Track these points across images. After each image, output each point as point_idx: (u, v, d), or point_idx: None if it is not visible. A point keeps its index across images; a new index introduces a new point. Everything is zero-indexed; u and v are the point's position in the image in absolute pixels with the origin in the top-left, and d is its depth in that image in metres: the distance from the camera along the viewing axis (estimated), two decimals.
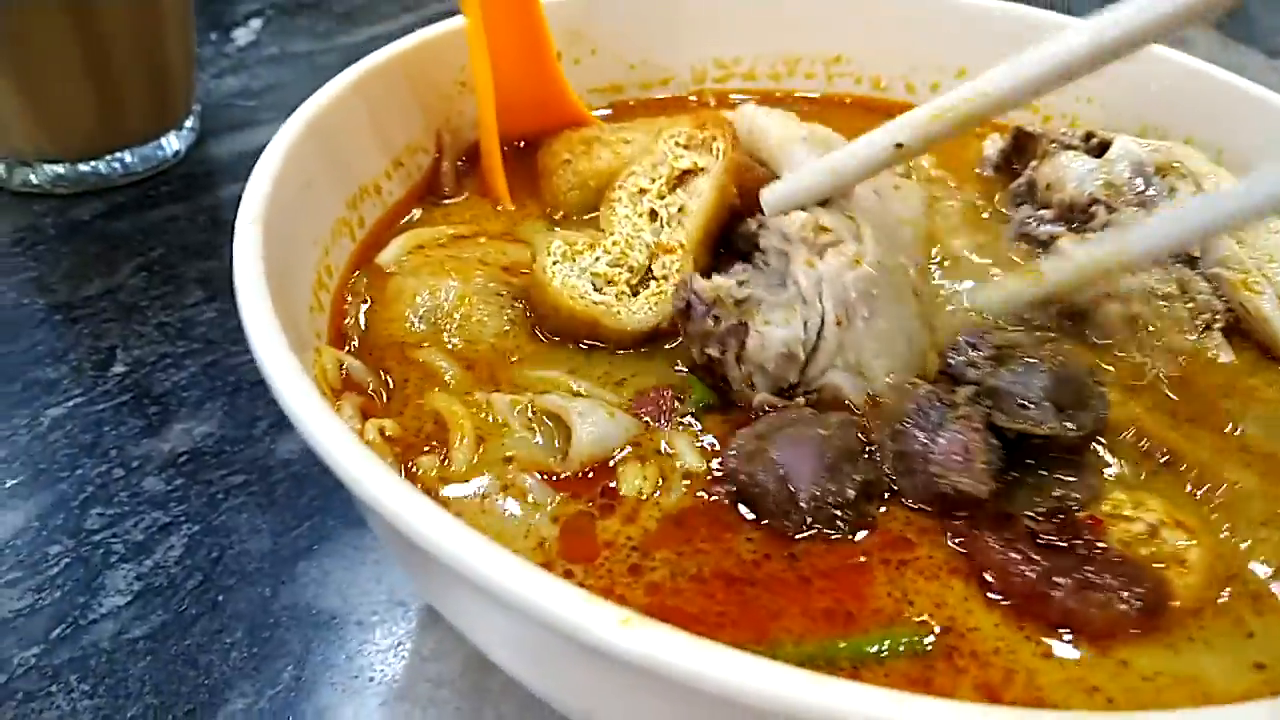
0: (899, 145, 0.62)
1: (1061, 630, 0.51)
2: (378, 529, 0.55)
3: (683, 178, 0.73)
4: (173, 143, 1.14)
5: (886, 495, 0.57)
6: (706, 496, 0.56)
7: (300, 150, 0.64)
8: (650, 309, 0.66)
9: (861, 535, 0.55)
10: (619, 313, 0.65)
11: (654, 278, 0.68)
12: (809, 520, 0.54)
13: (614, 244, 0.70)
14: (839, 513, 0.54)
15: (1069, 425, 0.55)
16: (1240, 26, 1.60)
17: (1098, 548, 0.54)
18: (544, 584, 0.38)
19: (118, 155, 1.10)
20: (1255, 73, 0.84)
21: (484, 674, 0.68)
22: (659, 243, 0.70)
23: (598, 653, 0.37)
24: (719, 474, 0.57)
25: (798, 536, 0.55)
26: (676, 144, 0.73)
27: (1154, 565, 0.54)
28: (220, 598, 0.72)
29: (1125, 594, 0.51)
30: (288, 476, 0.80)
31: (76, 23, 1.00)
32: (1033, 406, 0.55)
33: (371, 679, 0.67)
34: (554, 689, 0.49)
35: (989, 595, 0.53)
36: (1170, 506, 0.57)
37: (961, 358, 0.59)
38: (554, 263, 0.66)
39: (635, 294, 0.67)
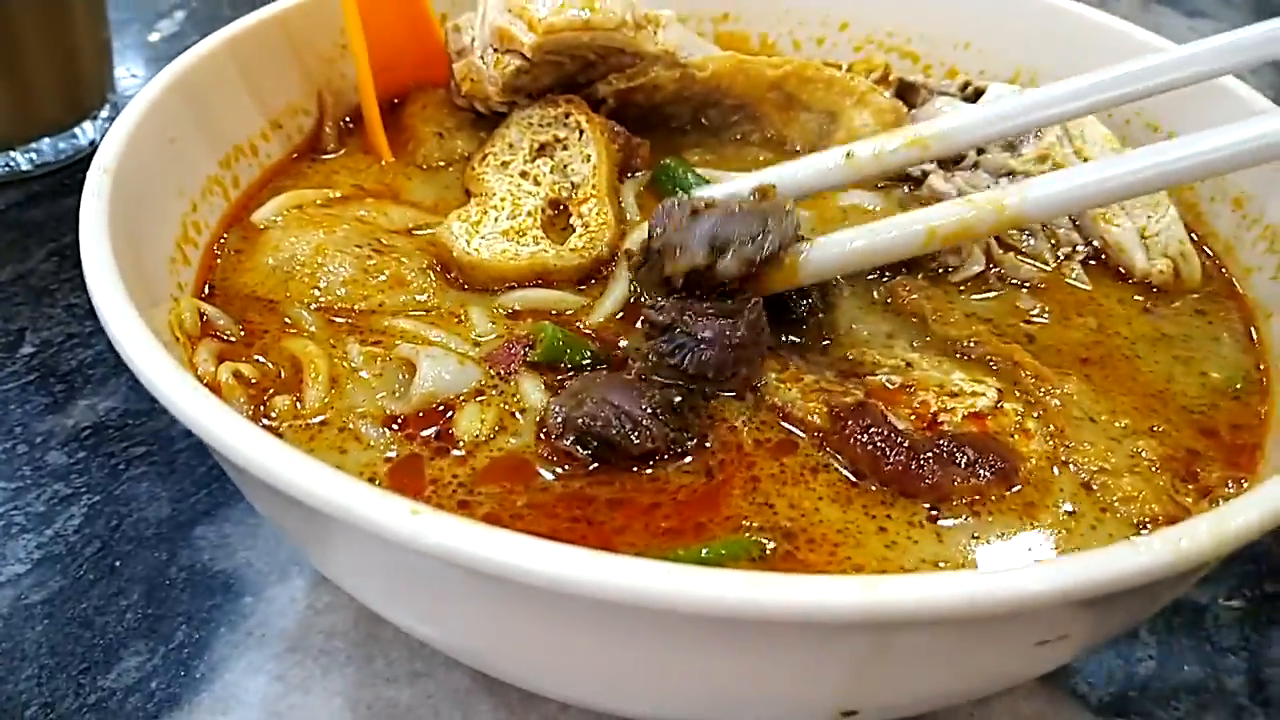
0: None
1: (929, 505, 0.55)
2: (222, 464, 0.56)
3: (543, 148, 0.78)
4: (88, 132, 1.14)
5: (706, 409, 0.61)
6: (548, 441, 0.58)
7: (163, 105, 0.65)
8: (591, 247, 0.71)
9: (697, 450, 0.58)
10: (563, 255, 0.70)
11: (577, 223, 0.73)
12: (654, 432, 0.56)
13: (502, 201, 0.74)
14: (674, 417, 0.57)
15: (719, 260, 0.59)
16: None
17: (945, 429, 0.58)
18: (338, 482, 0.39)
19: (33, 146, 1.11)
20: (1173, 33, 0.86)
21: (375, 625, 0.69)
22: (573, 197, 0.75)
23: (393, 545, 0.38)
24: (556, 430, 0.58)
25: (650, 460, 0.57)
26: (529, 124, 0.79)
27: (1001, 436, 0.58)
28: (118, 563, 0.73)
29: (981, 465, 0.55)
30: (188, 447, 0.81)
31: None
32: (688, 249, 0.59)
33: (264, 634, 0.68)
34: (392, 608, 0.50)
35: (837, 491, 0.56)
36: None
37: (658, 227, 0.63)
38: (468, 242, 0.70)
39: (562, 241, 0.72)
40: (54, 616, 0.69)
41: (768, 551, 0.53)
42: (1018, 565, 0.37)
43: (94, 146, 1.14)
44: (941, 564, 0.53)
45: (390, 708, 0.64)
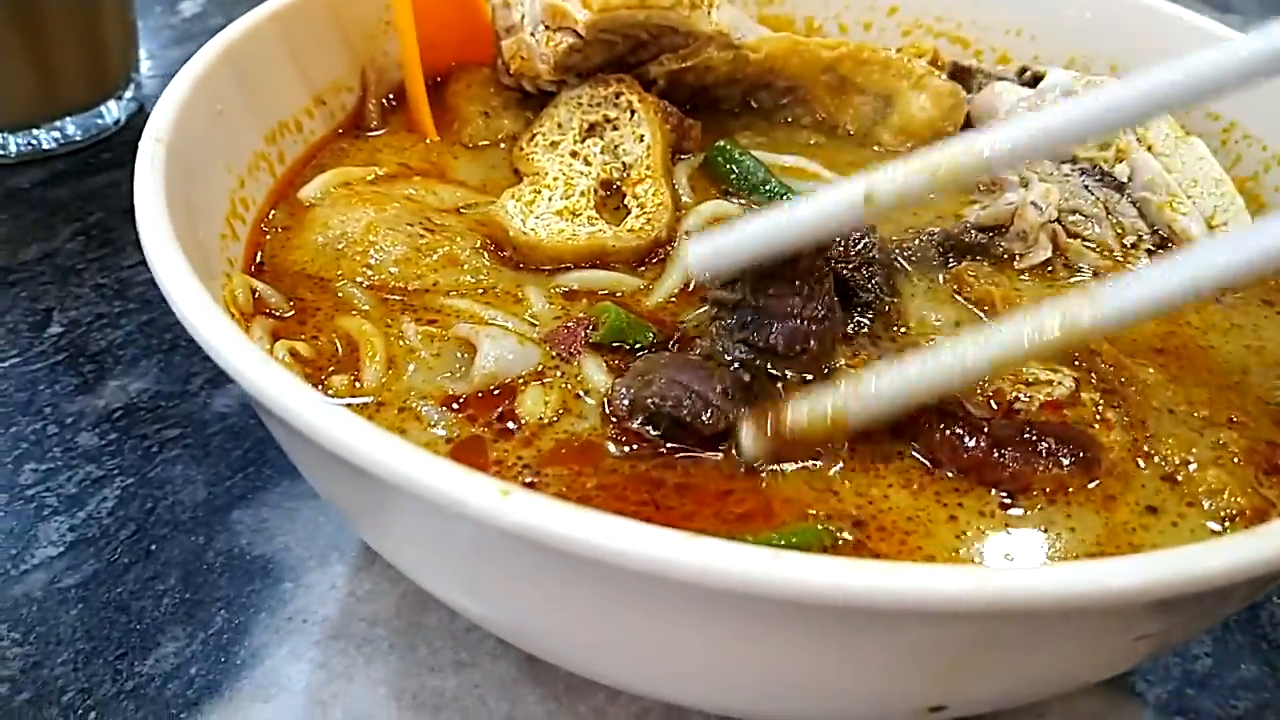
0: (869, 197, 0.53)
1: (1005, 494, 0.54)
2: (284, 443, 0.54)
3: (592, 128, 0.77)
4: (113, 111, 1.13)
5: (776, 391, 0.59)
6: (618, 422, 0.57)
7: (212, 77, 0.63)
8: (649, 228, 0.69)
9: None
10: (621, 236, 0.69)
11: (632, 204, 0.72)
12: (725, 411, 0.55)
13: (555, 180, 0.73)
14: (745, 397, 0.56)
15: None
16: None
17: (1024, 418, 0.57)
18: (425, 460, 0.37)
19: (57, 125, 1.09)
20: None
21: (418, 613, 0.67)
22: (626, 177, 0.74)
23: (481, 524, 0.37)
24: (623, 411, 0.56)
25: (721, 441, 0.55)
26: (578, 104, 0.78)
27: (1080, 426, 0.57)
28: (153, 547, 0.71)
29: (1063, 454, 0.54)
30: (223, 430, 0.80)
31: None
32: None
33: (305, 620, 0.67)
34: (464, 594, 0.49)
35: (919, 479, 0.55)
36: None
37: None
38: (524, 222, 0.68)
39: (615, 222, 0.71)
40: (89, 600, 0.67)
41: (839, 540, 0.52)
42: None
43: (118, 125, 1.13)
44: (1010, 556, 0.52)
45: (436, 697, 0.63)
